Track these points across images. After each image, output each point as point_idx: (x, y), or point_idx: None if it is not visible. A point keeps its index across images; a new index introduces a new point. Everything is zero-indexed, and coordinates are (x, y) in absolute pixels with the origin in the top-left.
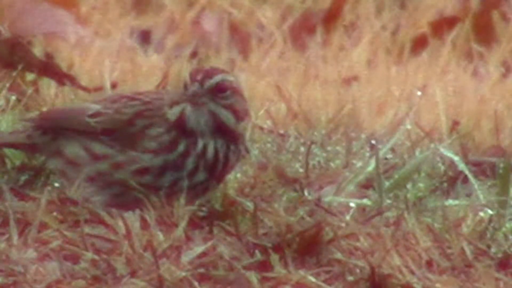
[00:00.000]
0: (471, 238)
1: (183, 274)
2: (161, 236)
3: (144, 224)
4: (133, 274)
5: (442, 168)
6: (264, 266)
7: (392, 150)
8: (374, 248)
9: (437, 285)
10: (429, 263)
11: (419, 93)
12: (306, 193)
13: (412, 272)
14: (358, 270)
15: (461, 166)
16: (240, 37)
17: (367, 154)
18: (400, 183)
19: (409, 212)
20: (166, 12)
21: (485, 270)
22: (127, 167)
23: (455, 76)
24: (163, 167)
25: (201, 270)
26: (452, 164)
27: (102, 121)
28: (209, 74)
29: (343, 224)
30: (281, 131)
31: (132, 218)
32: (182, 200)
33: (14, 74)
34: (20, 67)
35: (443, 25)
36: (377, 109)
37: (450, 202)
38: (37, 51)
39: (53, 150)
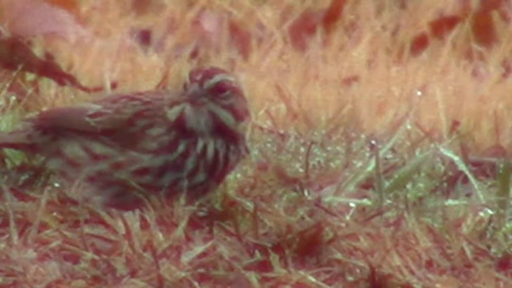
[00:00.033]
0: (471, 238)
1: (183, 274)
2: (161, 236)
3: (144, 224)
4: (133, 274)
5: (442, 168)
6: (264, 266)
7: (392, 150)
8: (374, 248)
9: (437, 285)
10: (429, 263)
11: (419, 93)
12: (306, 193)
13: (412, 272)
14: (358, 270)
15: (461, 166)
16: (240, 37)
17: (367, 154)
18: (400, 183)
19: (409, 212)
20: (166, 12)
21: (485, 270)
22: (127, 167)
23: (455, 76)
24: (163, 167)
25: (201, 270)
26: (452, 164)
27: (102, 121)
28: (209, 74)
29: (343, 224)
30: (281, 131)
31: (132, 218)
32: (182, 200)
33: (14, 74)
34: (20, 67)
35: (443, 25)
36: (377, 109)
37: (450, 202)
38: (37, 51)
39: (53, 150)
